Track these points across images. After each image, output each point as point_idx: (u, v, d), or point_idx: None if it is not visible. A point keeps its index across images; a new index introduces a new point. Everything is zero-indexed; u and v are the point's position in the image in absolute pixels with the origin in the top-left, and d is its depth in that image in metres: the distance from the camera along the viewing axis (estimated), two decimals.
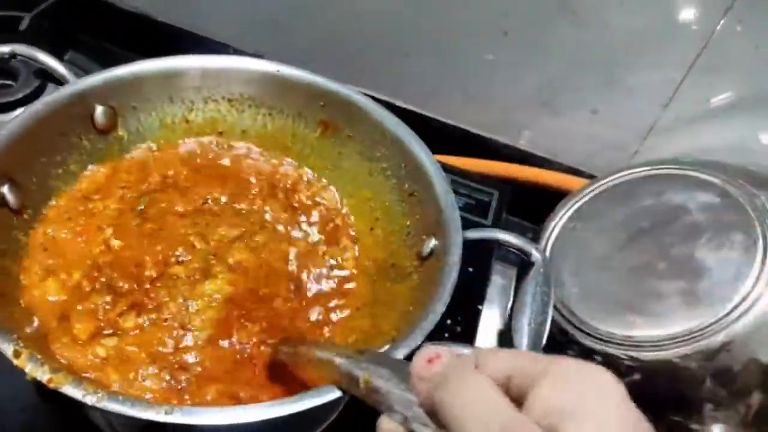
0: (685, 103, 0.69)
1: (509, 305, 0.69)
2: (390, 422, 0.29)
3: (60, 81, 0.52)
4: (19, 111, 0.66)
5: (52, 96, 0.48)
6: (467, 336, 0.61)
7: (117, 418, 0.48)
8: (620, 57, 0.69)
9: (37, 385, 0.49)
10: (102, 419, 0.49)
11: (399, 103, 0.77)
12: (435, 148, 0.53)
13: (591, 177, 0.76)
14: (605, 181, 0.61)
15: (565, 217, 0.60)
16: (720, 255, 0.50)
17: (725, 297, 0.47)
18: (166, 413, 0.33)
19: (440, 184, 0.49)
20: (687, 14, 0.65)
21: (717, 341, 0.46)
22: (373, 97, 0.55)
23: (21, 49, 0.48)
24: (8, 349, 0.35)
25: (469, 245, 0.46)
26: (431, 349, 0.28)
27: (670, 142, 0.72)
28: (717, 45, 0.64)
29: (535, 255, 0.45)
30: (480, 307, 0.64)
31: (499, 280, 0.73)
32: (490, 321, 0.68)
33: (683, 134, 0.71)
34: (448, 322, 0.60)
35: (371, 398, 0.31)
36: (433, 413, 0.27)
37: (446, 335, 0.59)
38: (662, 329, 0.48)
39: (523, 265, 0.49)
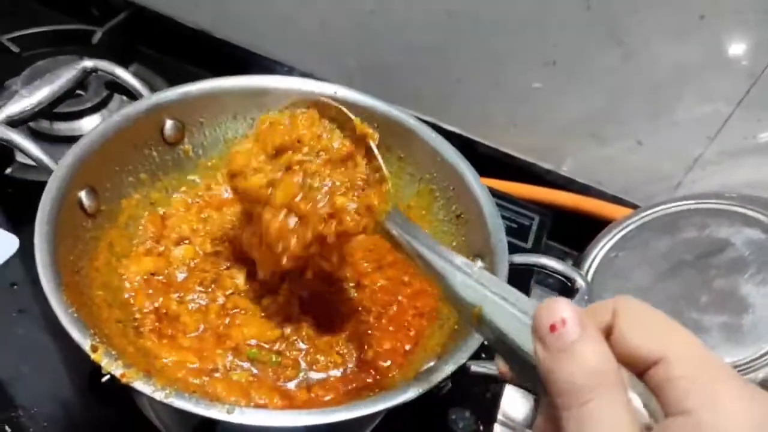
0: (732, 138, 0.69)
1: None
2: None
3: (129, 93, 0.55)
4: (88, 119, 0.71)
5: (128, 109, 0.51)
6: None
7: (169, 414, 0.50)
8: (668, 89, 0.70)
9: (94, 382, 0.53)
10: (153, 413, 0.51)
11: (445, 125, 0.79)
12: (478, 170, 0.55)
13: (633, 206, 0.76)
14: (649, 212, 0.61)
15: (608, 245, 0.61)
16: (763, 291, 0.50)
17: None
18: (228, 412, 0.36)
19: (489, 207, 0.51)
20: (737, 49, 0.66)
21: (758, 377, 0.47)
22: (420, 119, 0.58)
23: (103, 64, 0.52)
24: (86, 344, 0.37)
25: (510, 268, 0.47)
26: (556, 310, 0.27)
27: (714, 175, 0.72)
28: (767, 81, 0.64)
29: (580, 282, 0.46)
30: None
31: None
32: None
33: (728, 168, 0.71)
34: (485, 343, 0.62)
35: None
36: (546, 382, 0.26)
37: (483, 355, 0.61)
38: None
39: (563, 290, 0.50)
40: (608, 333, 0.27)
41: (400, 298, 0.52)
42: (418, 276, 0.48)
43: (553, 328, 0.26)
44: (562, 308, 0.27)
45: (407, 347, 0.48)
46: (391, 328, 0.50)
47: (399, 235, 0.41)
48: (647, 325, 0.27)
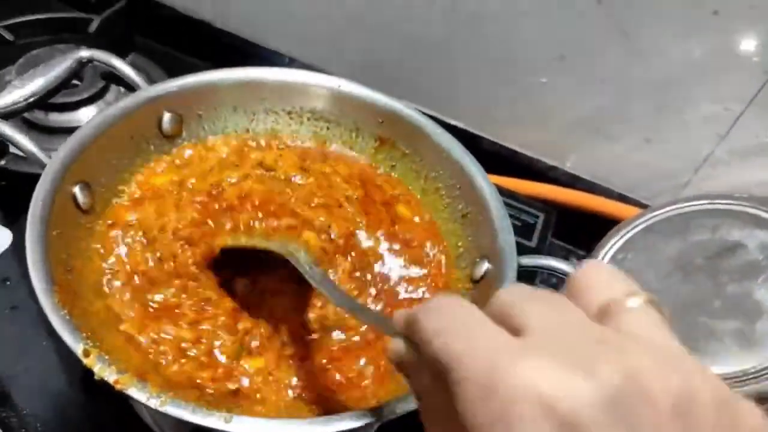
0: (743, 137, 0.68)
1: None
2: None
3: (127, 84, 0.54)
4: (84, 110, 0.69)
5: (124, 102, 0.49)
6: None
7: (166, 419, 0.49)
8: (677, 86, 0.68)
9: (88, 382, 0.52)
10: (150, 417, 0.50)
11: (448, 119, 0.77)
12: (482, 166, 0.53)
13: (639, 204, 0.75)
14: (658, 212, 0.60)
15: (615, 247, 0.59)
16: None
17: None
18: (225, 421, 0.34)
19: (496, 207, 0.49)
20: (749, 45, 0.64)
21: None
22: (423, 113, 0.56)
23: (99, 54, 0.50)
24: (78, 348, 0.36)
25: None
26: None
27: (724, 174, 0.71)
28: None
29: None
30: None
31: None
32: None
33: (738, 168, 0.70)
34: None
35: None
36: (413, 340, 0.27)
37: None
38: (715, 369, 0.47)
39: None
40: None
41: None
42: None
43: None
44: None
45: None
46: None
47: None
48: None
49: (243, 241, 0.46)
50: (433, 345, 0.25)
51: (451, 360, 0.24)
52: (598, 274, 0.27)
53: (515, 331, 0.24)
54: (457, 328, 0.25)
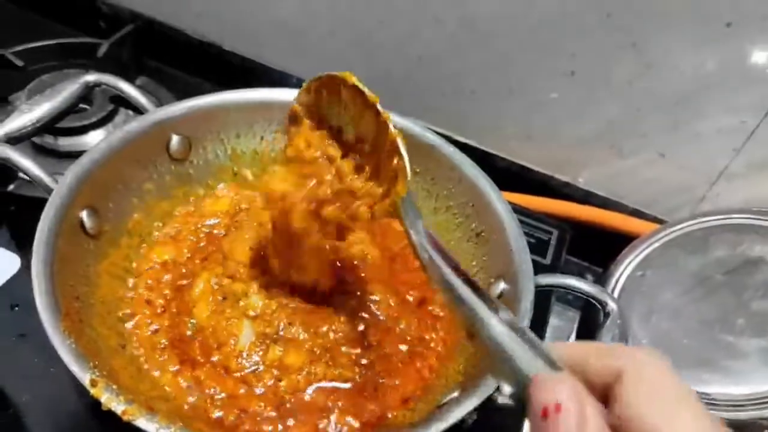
0: (759, 149, 0.67)
1: None
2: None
3: (136, 108, 0.53)
4: (93, 134, 0.69)
5: (132, 125, 0.49)
6: None
7: None
8: (691, 99, 0.67)
9: (97, 410, 0.51)
10: None
11: (459, 137, 0.77)
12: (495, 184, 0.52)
13: (655, 220, 0.74)
14: (676, 228, 0.59)
15: (633, 263, 0.58)
16: None
17: None
18: None
19: (511, 225, 0.48)
20: (761, 57, 0.63)
21: None
22: (434, 131, 0.55)
23: (106, 78, 0.50)
24: (85, 378, 0.35)
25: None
26: (548, 390, 0.23)
27: (740, 188, 0.70)
28: None
29: (611, 305, 0.44)
30: None
31: (555, 321, 0.71)
32: None
33: (755, 181, 0.69)
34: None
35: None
36: None
37: None
38: (741, 388, 0.46)
39: (588, 311, 0.47)
40: (606, 393, 0.25)
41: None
42: None
43: (545, 413, 0.23)
44: (557, 389, 0.23)
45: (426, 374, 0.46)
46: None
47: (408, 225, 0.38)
48: (656, 395, 0.24)
49: None
50: None
51: None
52: None
53: None
54: None
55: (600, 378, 0.25)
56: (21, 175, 0.64)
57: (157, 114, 0.50)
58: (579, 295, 0.45)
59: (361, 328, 0.47)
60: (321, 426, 0.41)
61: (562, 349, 0.26)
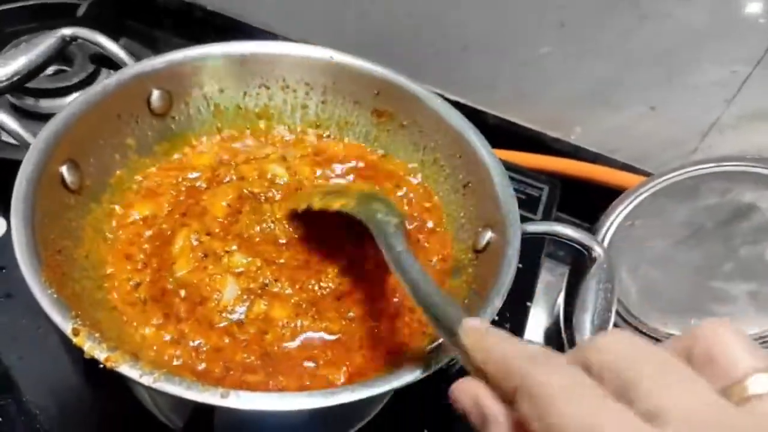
0: (751, 100, 0.66)
1: (558, 302, 0.67)
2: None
3: (117, 66, 0.52)
4: (74, 95, 0.68)
5: (111, 78, 0.48)
6: (516, 334, 0.59)
7: (166, 399, 0.48)
8: (682, 51, 0.66)
9: (86, 367, 0.51)
10: (150, 400, 0.49)
11: (450, 95, 0.75)
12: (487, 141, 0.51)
13: (646, 174, 0.73)
14: (666, 177, 0.58)
15: (623, 213, 0.58)
16: None
17: None
18: (222, 397, 0.33)
19: (498, 174, 0.47)
20: (753, 7, 0.62)
21: None
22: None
23: (83, 32, 0.48)
24: (67, 327, 0.34)
25: (522, 239, 0.44)
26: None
27: (731, 139, 0.69)
28: None
29: (597, 250, 0.43)
30: (529, 303, 0.62)
31: (547, 277, 0.71)
32: (537, 318, 0.67)
33: (747, 132, 0.68)
34: (497, 318, 0.59)
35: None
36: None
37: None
38: None
39: (577, 260, 0.47)
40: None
41: None
42: None
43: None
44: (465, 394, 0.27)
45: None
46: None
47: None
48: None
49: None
50: (548, 418, 0.22)
51: None
52: (722, 342, 0.25)
53: (647, 415, 0.21)
54: (575, 400, 0.22)
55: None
56: (3, 138, 0.63)
57: (136, 67, 0.49)
58: (565, 241, 0.45)
59: (348, 282, 0.46)
60: (307, 376, 0.41)
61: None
